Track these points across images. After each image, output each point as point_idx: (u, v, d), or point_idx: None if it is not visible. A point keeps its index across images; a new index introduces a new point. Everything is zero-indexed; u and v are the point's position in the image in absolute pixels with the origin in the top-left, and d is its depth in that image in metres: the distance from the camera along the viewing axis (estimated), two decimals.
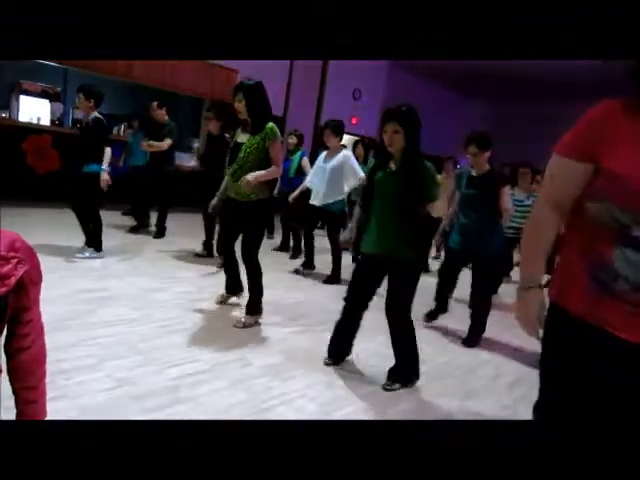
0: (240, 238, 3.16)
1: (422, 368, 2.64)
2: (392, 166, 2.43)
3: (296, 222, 5.25)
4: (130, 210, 5.89)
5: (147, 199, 5.55)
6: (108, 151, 4.07)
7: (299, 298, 3.94)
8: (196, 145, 5.86)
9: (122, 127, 7.00)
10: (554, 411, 1.26)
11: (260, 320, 3.22)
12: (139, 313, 3.06)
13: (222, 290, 3.50)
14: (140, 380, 2.25)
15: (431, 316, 3.76)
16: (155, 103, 5.28)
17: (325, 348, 2.76)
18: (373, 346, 2.97)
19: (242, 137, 3.07)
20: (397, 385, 2.53)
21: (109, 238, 4.79)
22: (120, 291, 3.41)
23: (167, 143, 5.17)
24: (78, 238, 4.24)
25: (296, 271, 4.73)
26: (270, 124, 2.94)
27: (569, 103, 5.73)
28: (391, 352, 2.59)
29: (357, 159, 4.85)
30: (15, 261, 1.19)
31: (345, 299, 2.63)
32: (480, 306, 3.47)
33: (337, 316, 2.71)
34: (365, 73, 10.08)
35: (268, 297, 3.30)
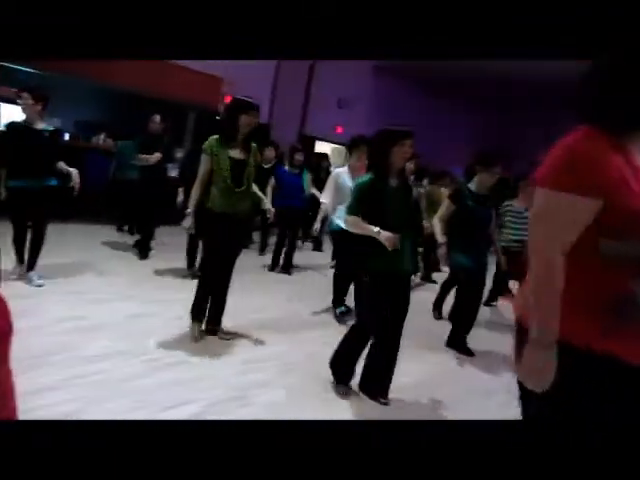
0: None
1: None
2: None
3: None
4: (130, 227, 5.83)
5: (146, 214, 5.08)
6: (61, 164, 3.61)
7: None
8: (179, 155, 5.57)
9: (102, 136, 6.63)
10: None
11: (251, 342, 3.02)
12: (124, 345, 2.80)
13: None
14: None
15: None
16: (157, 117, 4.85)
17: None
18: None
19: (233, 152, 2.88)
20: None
21: (91, 257, 4.51)
22: (102, 320, 3.13)
23: (156, 156, 4.80)
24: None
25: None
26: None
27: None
28: None
29: None
30: None
31: None
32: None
33: None
34: (350, 81, 9.95)
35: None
